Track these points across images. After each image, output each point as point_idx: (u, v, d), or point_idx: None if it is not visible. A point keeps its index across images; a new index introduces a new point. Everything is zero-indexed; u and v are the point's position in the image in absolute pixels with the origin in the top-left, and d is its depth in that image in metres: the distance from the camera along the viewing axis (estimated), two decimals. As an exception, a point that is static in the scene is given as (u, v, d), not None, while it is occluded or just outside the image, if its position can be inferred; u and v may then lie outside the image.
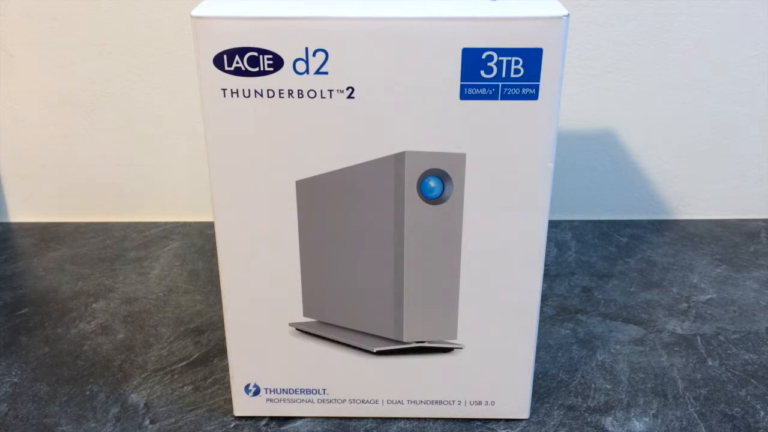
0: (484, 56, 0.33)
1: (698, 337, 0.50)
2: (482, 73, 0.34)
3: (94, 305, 0.54)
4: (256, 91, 0.35)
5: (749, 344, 0.49)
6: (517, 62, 0.34)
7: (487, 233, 0.37)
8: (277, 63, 0.34)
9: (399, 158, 0.36)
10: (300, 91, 0.34)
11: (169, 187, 0.66)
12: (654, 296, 0.54)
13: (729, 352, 0.48)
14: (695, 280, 0.57)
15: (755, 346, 0.49)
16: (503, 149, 0.35)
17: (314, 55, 0.34)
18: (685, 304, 0.53)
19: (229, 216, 0.38)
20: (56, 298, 0.55)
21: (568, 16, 0.33)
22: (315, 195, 0.37)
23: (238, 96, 0.35)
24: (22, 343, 0.50)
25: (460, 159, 0.36)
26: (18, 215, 0.67)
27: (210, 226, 0.65)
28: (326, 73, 0.34)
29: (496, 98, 0.34)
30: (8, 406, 0.44)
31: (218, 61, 0.34)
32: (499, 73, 0.34)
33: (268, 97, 0.35)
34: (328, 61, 0.34)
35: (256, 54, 0.34)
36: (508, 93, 0.34)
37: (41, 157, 0.65)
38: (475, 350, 0.40)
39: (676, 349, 0.48)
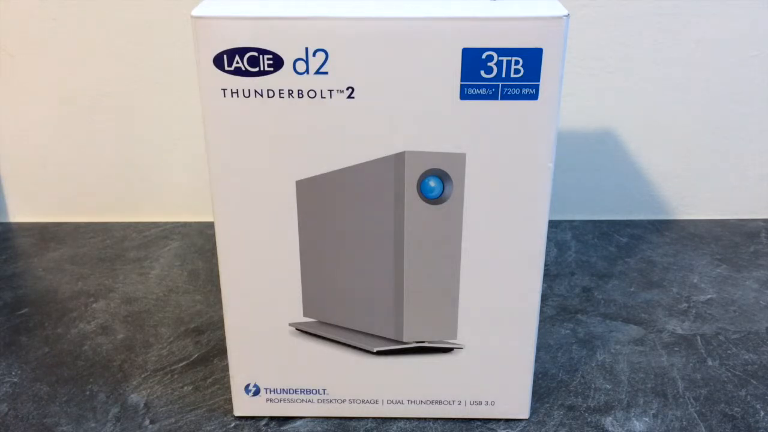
0: (484, 56, 0.33)
1: (698, 337, 0.50)
2: (482, 73, 0.34)
3: (94, 305, 0.54)
4: (256, 91, 0.35)
5: (749, 344, 0.49)
6: (517, 62, 0.34)
7: (487, 233, 0.37)
8: (277, 63, 0.34)
9: (399, 158, 0.36)
10: (300, 91, 0.34)
11: (169, 187, 0.66)
12: (654, 296, 0.54)
13: (729, 352, 0.48)
14: (695, 280, 0.57)
15: (755, 346, 0.49)
16: (503, 149, 0.35)
17: (314, 55, 0.34)
18: (685, 304, 0.53)
19: (229, 216, 0.38)
20: (56, 298, 0.55)
21: (568, 16, 0.33)
22: (315, 195, 0.37)
23: (238, 96, 0.35)
24: (22, 343, 0.50)
25: (460, 159, 0.36)
26: (18, 215, 0.67)
27: (210, 226, 0.65)
28: (326, 73, 0.34)
29: (496, 98, 0.34)
30: (8, 406, 0.44)
31: (218, 61, 0.34)
32: (499, 73, 0.34)
33: (268, 97, 0.35)
34: (328, 61, 0.34)
35: (256, 54, 0.34)
36: (508, 93, 0.34)
37: (41, 157, 0.65)
38: (475, 350, 0.40)
39: (676, 349, 0.48)
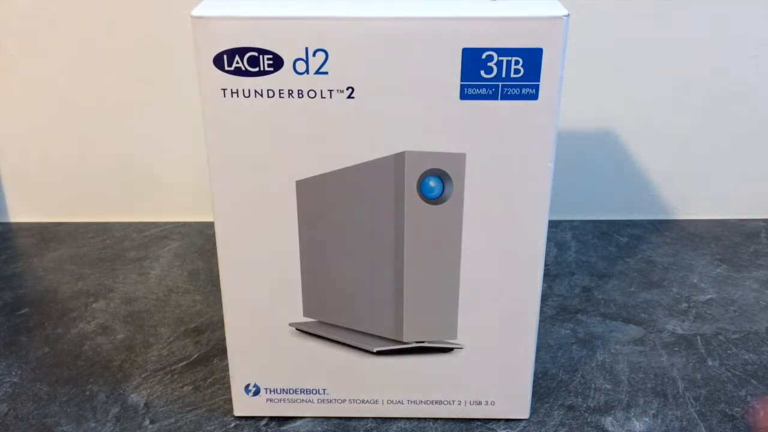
0: (484, 56, 0.33)
1: (698, 337, 0.50)
2: (482, 73, 0.34)
3: (94, 305, 0.54)
4: (256, 91, 0.35)
5: (749, 344, 0.49)
6: (517, 62, 0.34)
7: (487, 233, 0.37)
8: (277, 63, 0.34)
9: (399, 158, 0.36)
10: (300, 91, 0.34)
11: (169, 187, 0.66)
12: (654, 296, 0.54)
13: (729, 352, 0.48)
14: (695, 280, 0.57)
15: (755, 346, 0.49)
16: (503, 149, 0.35)
17: (314, 55, 0.34)
18: (685, 304, 0.53)
19: (229, 216, 0.38)
20: (56, 298, 0.55)
21: (568, 16, 0.33)
22: (315, 195, 0.37)
23: (238, 96, 0.35)
24: (22, 343, 0.50)
25: (460, 159, 0.36)
26: (18, 215, 0.67)
27: (210, 226, 0.65)
28: (326, 73, 0.34)
29: (496, 98, 0.34)
30: (8, 406, 0.44)
31: (218, 61, 0.34)
32: (499, 73, 0.34)
33: (268, 97, 0.35)
34: (328, 61, 0.34)
35: (256, 54, 0.34)
36: (508, 93, 0.34)
37: (41, 157, 0.65)
38: (475, 350, 0.40)
39: (676, 349, 0.48)
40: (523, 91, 0.34)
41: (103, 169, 0.65)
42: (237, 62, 0.34)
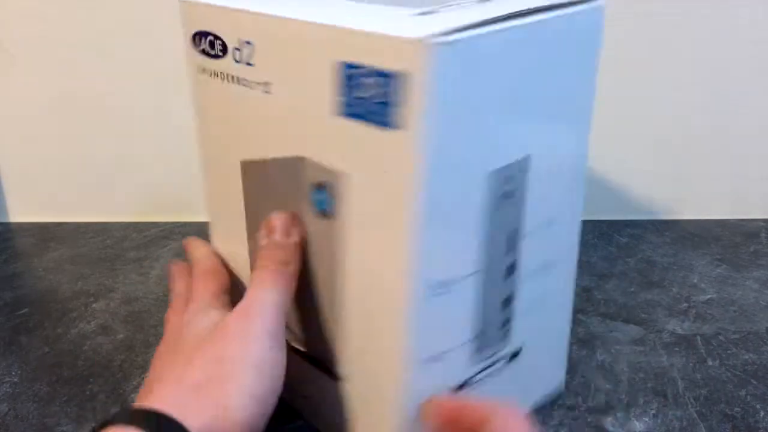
0: (352, 72, 0.29)
1: (698, 337, 0.50)
2: (353, 90, 0.30)
3: (94, 305, 0.54)
4: (215, 72, 0.37)
5: (749, 344, 0.49)
6: (382, 83, 0.28)
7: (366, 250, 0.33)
8: (224, 50, 0.36)
9: (300, 162, 0.34)
10: (236, 78, 0.36)
11: (169, 187, 0.66)
12: (654, 296, 0.54)
13: (729, 352, 0.48)
14: (695, 280, 0.57)
15: (755, 346, 0.49)
16: (376, 170, 0.31)
17: (245, 46, 0.35)
18: (685, 304, 0.53)
19: (214, 198, 0.41)
20: (56, 298, 0.55)
21: (451, 42, 0.26)
22: (254, 178, 0.38)
23: (208, 75, 0.37)
24: (22, 343, 0.50)
25: (341, 176, 0.32)
26: (18, 215, 0.67)
27: (210, 226, 0.65)
28: (252, 65, 0.35)
29: (365, 119, 0.30)
30: (8, 406, 0.44)
31: (194, 41, 0.37)
32: (367, 92, 0.29)
33: (221, 79, 0.36)
34: (254, 53, 0.34)
35: (212, 38, 0.36)
36: (372, 115, 0.29)
37: (41, 157, 0.65)
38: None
39: (676, 349, 0.48)
40: (384, 118, 0.29)
41: (103, 169, 0.65)
42: (203, 43, 0.36)
